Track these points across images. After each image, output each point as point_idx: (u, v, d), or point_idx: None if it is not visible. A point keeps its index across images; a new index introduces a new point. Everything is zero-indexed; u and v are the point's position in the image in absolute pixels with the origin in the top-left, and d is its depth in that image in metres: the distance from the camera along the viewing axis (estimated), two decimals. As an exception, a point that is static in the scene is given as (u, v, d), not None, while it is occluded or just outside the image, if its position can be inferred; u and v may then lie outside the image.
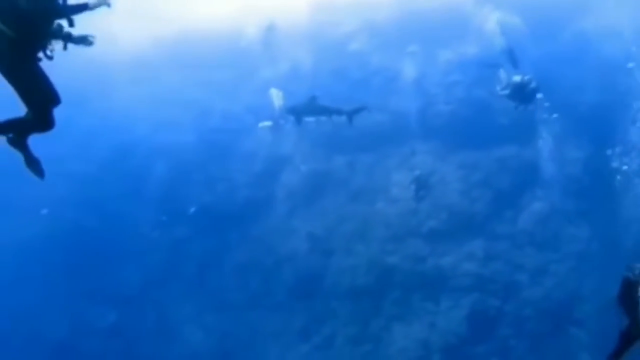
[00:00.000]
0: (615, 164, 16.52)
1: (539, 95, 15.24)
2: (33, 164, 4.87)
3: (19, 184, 17.77)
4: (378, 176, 17.49)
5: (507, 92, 15.07)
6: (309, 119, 16.08)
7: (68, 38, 4.60)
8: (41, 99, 4.46)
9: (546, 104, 16.22)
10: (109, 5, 4.57)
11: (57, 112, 4.65)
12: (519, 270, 16.01)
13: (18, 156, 4.87)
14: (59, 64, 4.59)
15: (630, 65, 17.06)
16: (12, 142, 4.78)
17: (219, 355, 16.61)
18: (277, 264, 17.16)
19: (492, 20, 17.85)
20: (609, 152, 16.62)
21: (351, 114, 15.60)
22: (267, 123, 15.80)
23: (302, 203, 17.87)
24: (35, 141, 4.87)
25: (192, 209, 17.98)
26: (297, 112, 15.38)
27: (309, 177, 18.02)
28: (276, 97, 16.58)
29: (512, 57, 16.06)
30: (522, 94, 14.66)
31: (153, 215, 18.27)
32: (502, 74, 15.45)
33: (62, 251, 17.29)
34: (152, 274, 17.73)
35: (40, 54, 4.46)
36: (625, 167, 16.38)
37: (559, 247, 16.22)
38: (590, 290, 15.63)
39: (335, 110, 15.60)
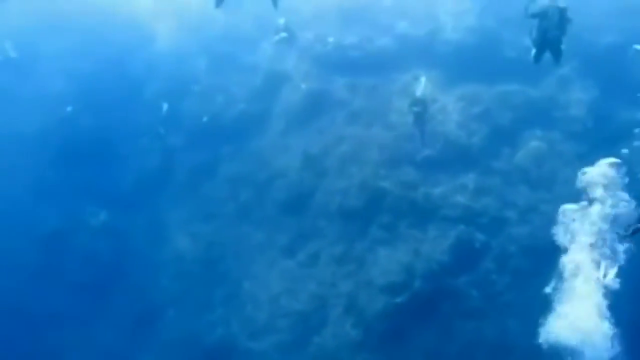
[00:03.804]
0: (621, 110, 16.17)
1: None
2: None
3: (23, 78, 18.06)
4: (378, 100, 17.21)
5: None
6: None
7: None
8: None
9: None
10: None
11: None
12: (509, 207, 15.93)
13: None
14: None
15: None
16: None
17: (204, 263, 16.80)
18: (269, 179, 17.14)
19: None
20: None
21: None
22: (284, 34, 15.06)
23: (299, 121, 17.72)
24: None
25: (205, 118, 17.78)
26: None
27: (309, 96, 17.80)
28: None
29: None
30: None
31: (149, 120, 18.24)
32: None
33: (56, 146, 17.38)
34: (145, 178, 17.90)
35: None
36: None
37: (552, 188, 16.07)
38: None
39: None
